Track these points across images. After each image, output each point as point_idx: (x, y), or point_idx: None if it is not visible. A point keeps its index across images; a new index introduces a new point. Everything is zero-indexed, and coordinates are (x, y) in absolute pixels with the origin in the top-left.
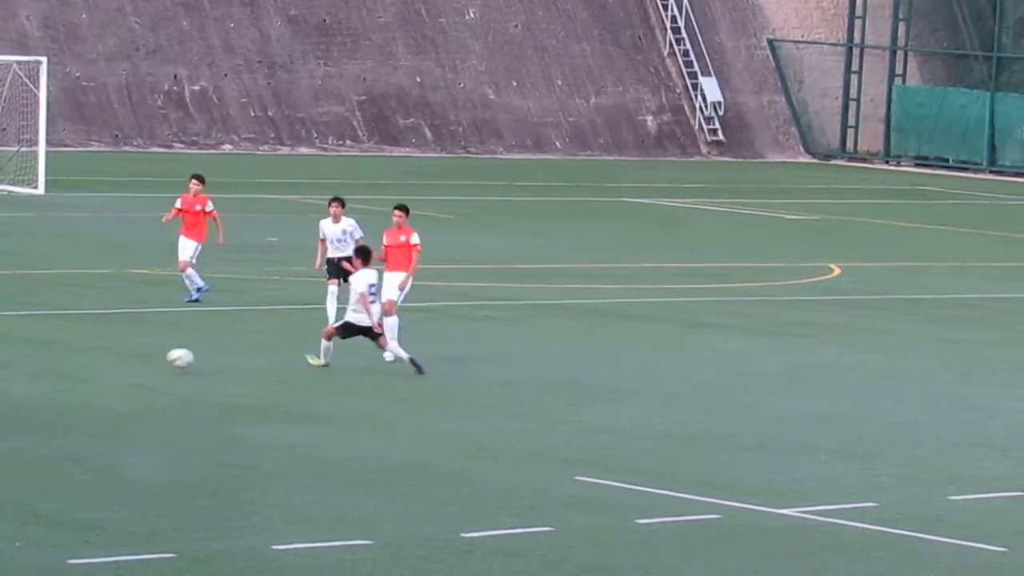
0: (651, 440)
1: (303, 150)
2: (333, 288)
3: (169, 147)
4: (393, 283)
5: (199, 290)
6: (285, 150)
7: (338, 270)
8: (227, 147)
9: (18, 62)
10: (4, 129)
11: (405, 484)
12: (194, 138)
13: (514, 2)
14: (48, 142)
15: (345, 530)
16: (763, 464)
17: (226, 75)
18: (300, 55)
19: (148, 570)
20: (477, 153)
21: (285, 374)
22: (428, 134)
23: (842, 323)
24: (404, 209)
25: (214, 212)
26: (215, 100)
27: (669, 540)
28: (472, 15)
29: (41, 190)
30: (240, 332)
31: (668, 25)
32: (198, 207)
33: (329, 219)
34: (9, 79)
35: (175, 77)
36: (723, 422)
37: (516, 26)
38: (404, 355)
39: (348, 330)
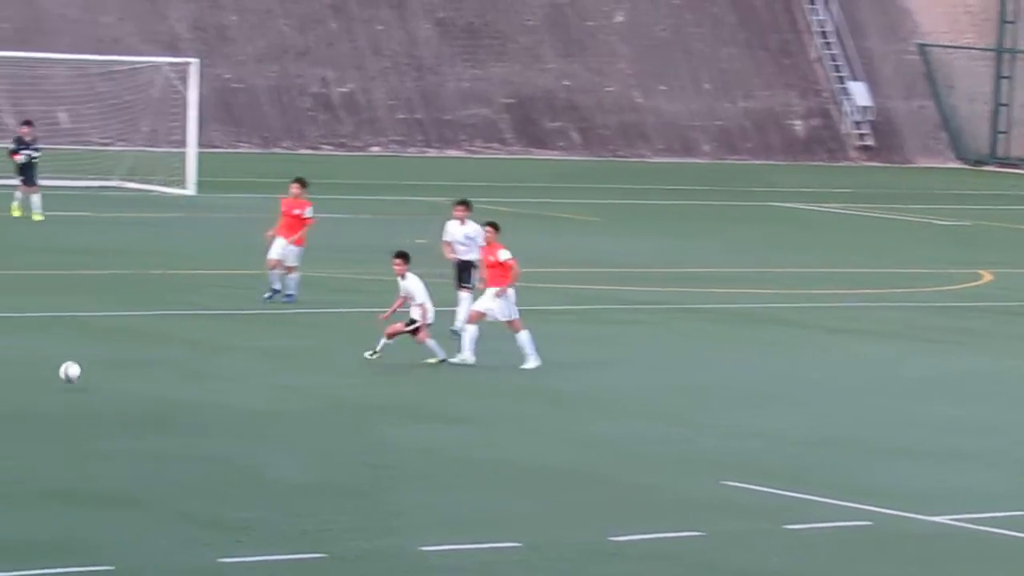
0: (798, 445)
1: (450, 152)
2: (463, 294)
3: (317, 149)
4: (488, 299)
5: (275, 292)
6: (432, 152)
7: (466, 275)
8: (375, 149)
9: (169, 64)
10: (155, 131)
11: (551, 486)
12: (342, 140)
13: (662, 5)
14: (198, 143)
15: (492, 532)
16: (913, 470)
17: (374, 78)
18: (448, 58)
19: (299, 570)
20: (624, 156)
21: (426, 375)
22: (575, 137)
23: (992, 330)
24: (494, 226)
25: (312, 220)
26: (363, 102)
27: (820, 546)
28: (620, 18)
29: (191, 191)
30: (382, 333)
31: (816, 29)
32: (296, 211)
33: (456, 221)
34: (159, 81)
35: (323, 79)
36: (871, 428)
37: (663, 29)
38: (441, 354)
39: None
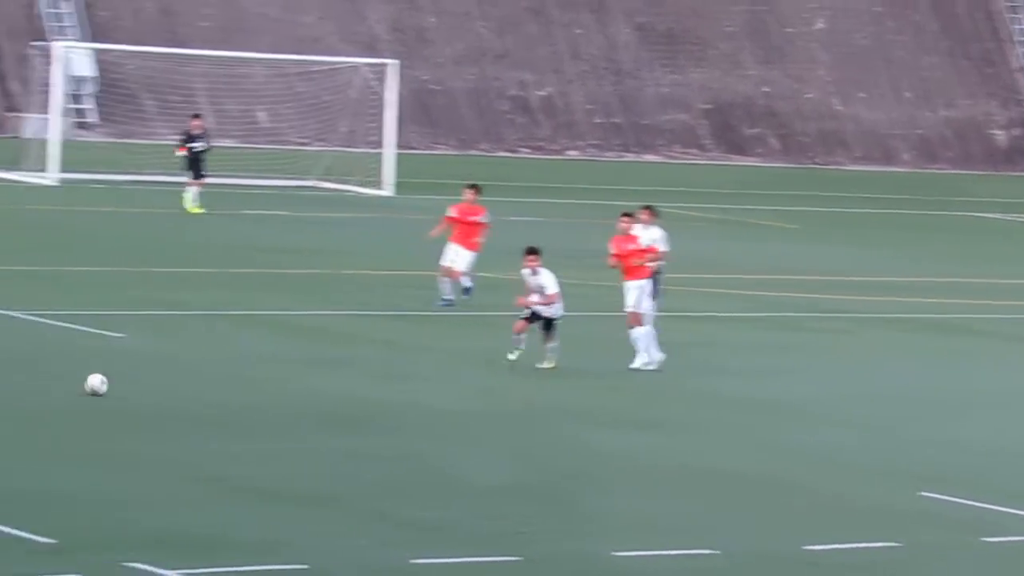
0: (997, 456)
1: (648, 157)
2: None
3: (514, 152)
4: (637, 295)
5: (449, 302)
6: (630, 157)
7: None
8: (572, 153)
9: (367, 65)
10: (353, 131)
11: (745, 494)
12: (539, 143)
13: (863, 13)
14: (396, 144)
15: (686, 538)
16: None
17: (572, 81)
18: (647, 63)
19: (492, 571)
20: (822, 164)
21: (621, 380)
22: (774, 143)
23: None
24: (630, 216)
25: (487, 225)
26: (561, 106)
27: (1018, 560)
28: (820, 25)
29: (388, 192)
30: (579, 338)
31: (1018, 39)
32: (472, 217)
33: (640, 226)
34: (358, 81)
35: (522, 82)
36: None
37: (864, 37)
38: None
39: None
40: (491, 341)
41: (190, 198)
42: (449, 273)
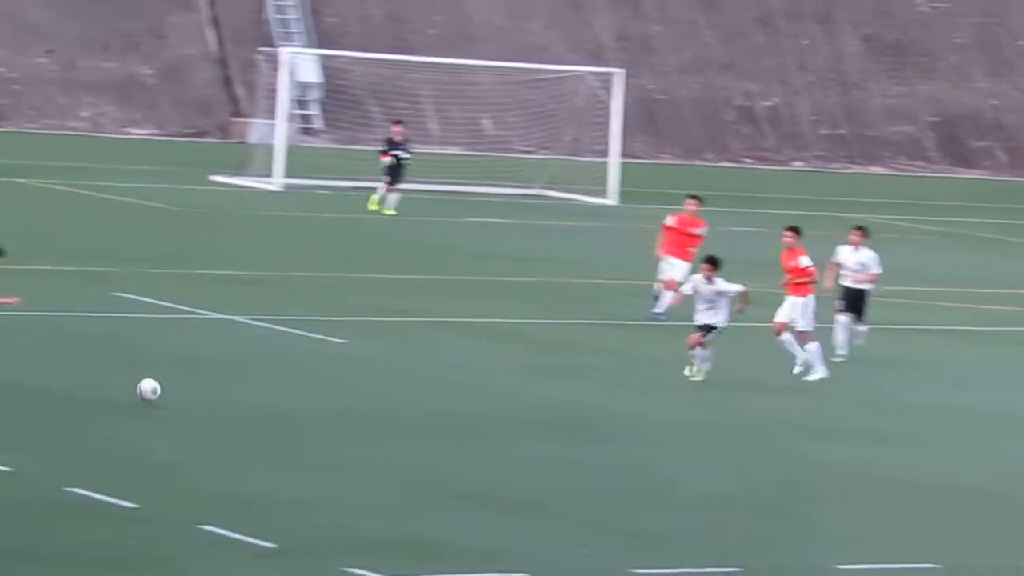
0: None
1: (874, 169)
2: (842, 319)
3: (739, 162)
4: (789, 308)
5: (660, 314)
6: (855, 168)
7: (852, 302)
8: (797, 164)
9: (593, 73)
10: (578, 140)
11: (969, 507)
12: (764, 154)
13: None
14: (620, 153)
15: (908, 552)
16: None
17: (798, 92)
18: (873, 74)
19: None
20: None
21: (836, 391)
22: (1001, 156)
23: None
24: (795, 231)
25: (703, 238)
26: (787, 116)
27: None
28: None
29: (612, 200)
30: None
31: None
32: (692, 229)
33: (849, 246)
34: (584, 90)
35: (747, 93)
36: None
37: None
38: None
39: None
40: (720, 353)
41: (381, 199)
42: (669, 286)
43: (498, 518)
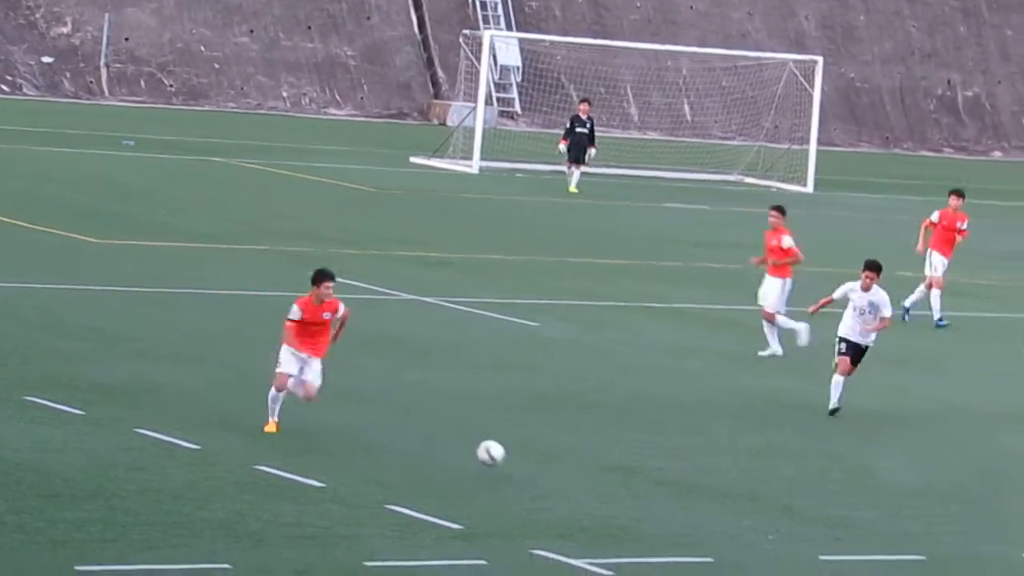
0: None
1: None
2: None
3: (939, 151)
4: (769, 289)
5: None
6: None
7: None
8: (996, 154)
9: (794, 61)
10: (777, 127)
11: None
12: (964, 143)
13: None
14: (819, 141)
15: None
16: None
17: (1000, 82)
18: None
19: (898, 570)
20: None
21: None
22: None
23: None
24: (780, 211)
25: (967, 232)
26: (987, 106)
27: None
28: None
29: (810, 188)
30: (966, 336)
31: None
32: (959, 224)
33: None
34: (784, 77)
35: (948, 82)
36: None
37: None
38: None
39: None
40: (909, 340)
41: (574, 181)
42: (936, 284)
43: (687, 504)
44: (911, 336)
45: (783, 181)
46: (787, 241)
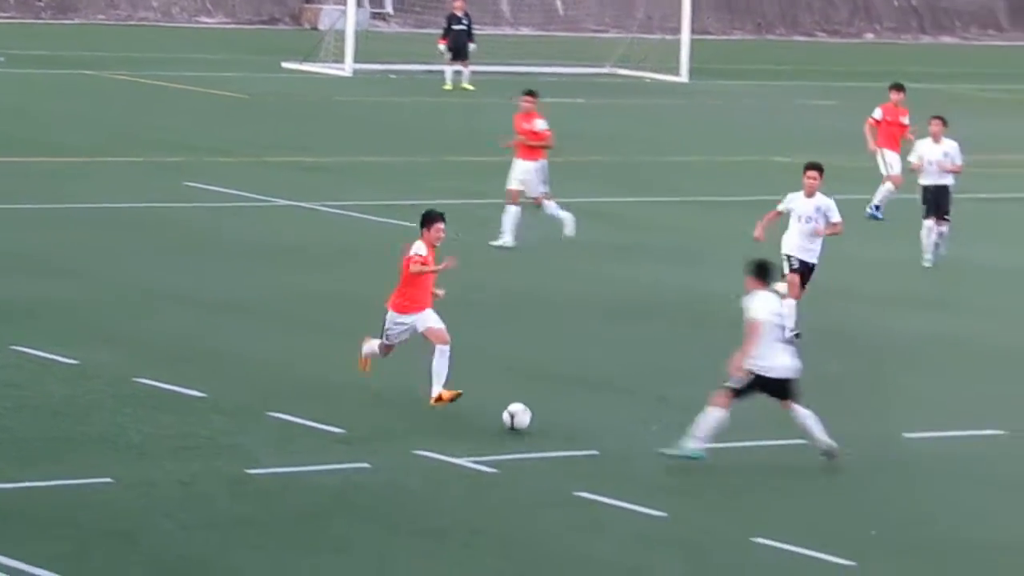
0: None
1: (944, 39)
2: (927, 223)
3: (811, 35)
4: (521, 173)
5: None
6: (927, 39)
7: (935, 202)
8: (869, 36)
9: None
10: (650, 18)
11: None
12: (836, 27)
13: None
14: (692, 30)
15: (974, 419)
16: None
17: None
18: None
19: (781, 452)
20: None
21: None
22: None
23: None
24: (532, 95)
25: (910, 127)
26: None
27: None
28: None
29: (684, 77)
30: (878, 226)
31: None
32: (901, 119)
33: (928, 139)
34: None
35: None
36: None
37: None
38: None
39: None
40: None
41: (452, 80)
42: (895, 181)
43: (568, 397)
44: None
45: (657, 72)
46: (540, 124)
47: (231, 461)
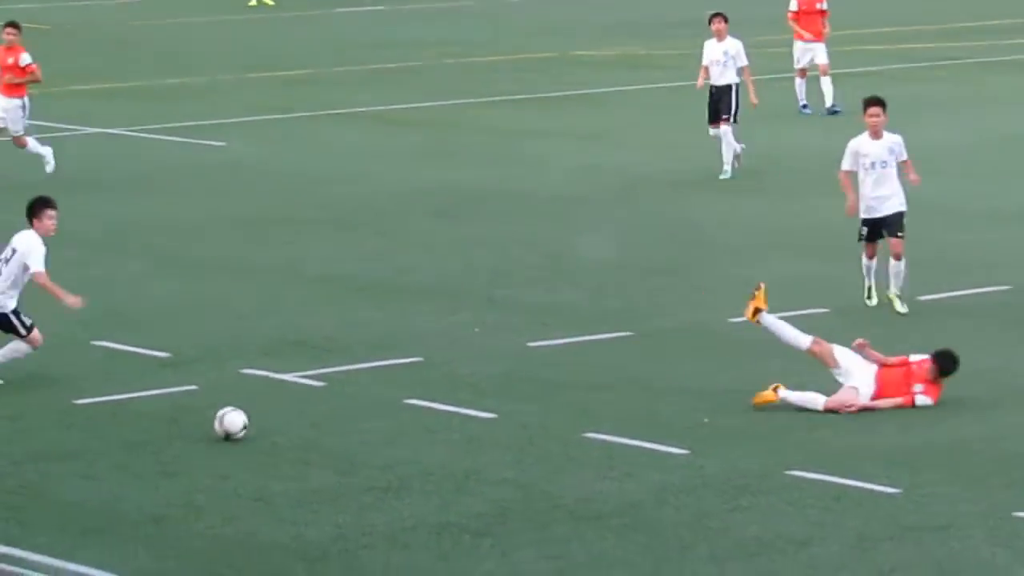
0: None
1: None
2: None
3: None
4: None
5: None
6: None
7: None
8: None
9: None
10: None
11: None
12: None
13: None
14: None
15: (801, 300)
16: None
17: None
18: None
19: (604, 348)
20: None
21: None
22: None
23: None
24: (15, 27)
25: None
26: None
27: None
28: None
29: None
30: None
31: None
32: (818, 5)
33: (713, 39)
34: None
35: None
36: None
37: None
38: None
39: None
40: (596, 120)
41: None
42: (823, 71)
43: (391, 306)
44: (594, 118)
45: None
46: (24, 59)
47: (58, 393)
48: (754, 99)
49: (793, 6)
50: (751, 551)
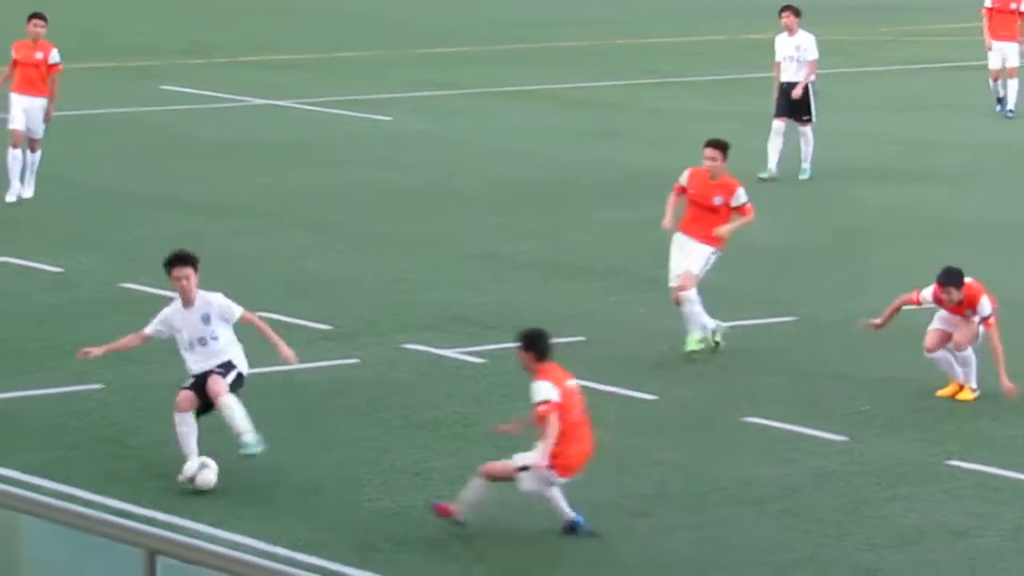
0: None
1: None
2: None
3: None
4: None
5: (1000, 100)
6: None
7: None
8: None
9: None
10: None
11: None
12: None
13: None
14: None
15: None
16: None
17: None
18: None
19: (763, 332)
20: None
21: (902, 135)
22: None
23: None
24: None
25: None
26: None
27: None
28: None
29: None
30: (853, 95)
31: None
32: (1013, 6)
33: (784, 33)
34: None
35: None
36: None
37: None
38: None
39: None
40: (762, 103)
41: None
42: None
43: (552, 285)
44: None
45: None
46: (54, 56)
47: None
48: (797, 92)
49: (988, 2)
50: (909, 540)
